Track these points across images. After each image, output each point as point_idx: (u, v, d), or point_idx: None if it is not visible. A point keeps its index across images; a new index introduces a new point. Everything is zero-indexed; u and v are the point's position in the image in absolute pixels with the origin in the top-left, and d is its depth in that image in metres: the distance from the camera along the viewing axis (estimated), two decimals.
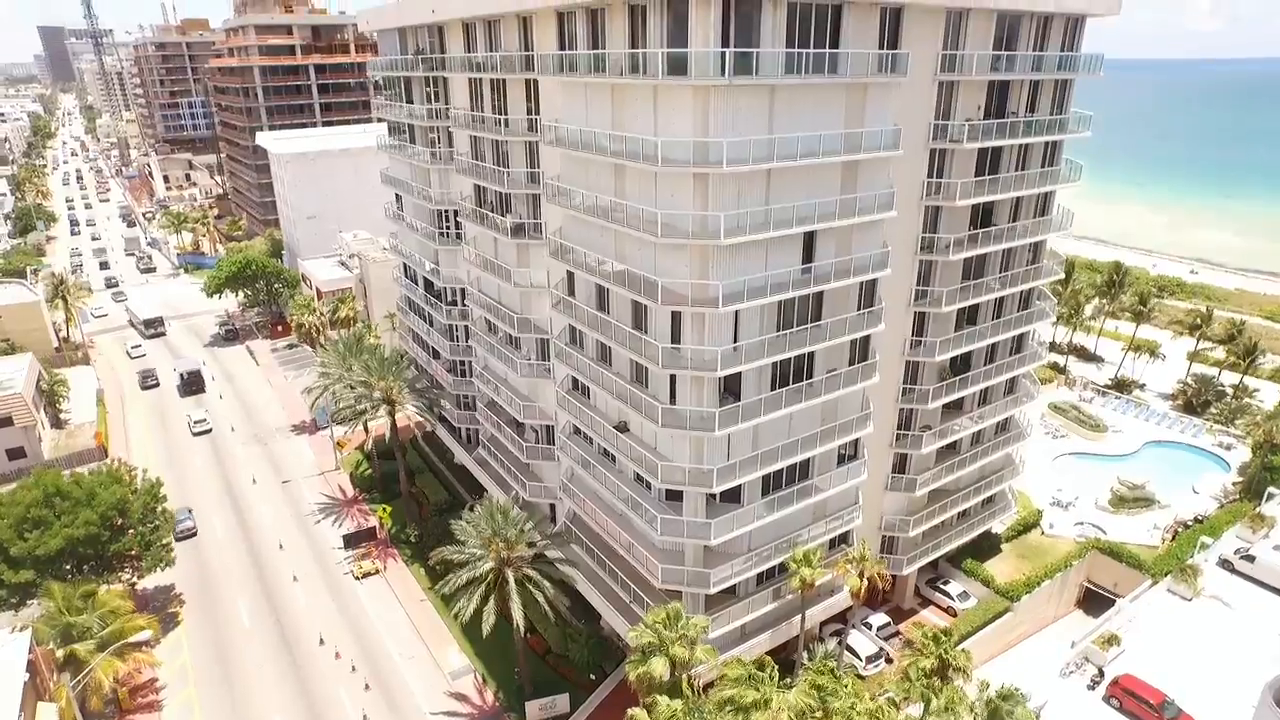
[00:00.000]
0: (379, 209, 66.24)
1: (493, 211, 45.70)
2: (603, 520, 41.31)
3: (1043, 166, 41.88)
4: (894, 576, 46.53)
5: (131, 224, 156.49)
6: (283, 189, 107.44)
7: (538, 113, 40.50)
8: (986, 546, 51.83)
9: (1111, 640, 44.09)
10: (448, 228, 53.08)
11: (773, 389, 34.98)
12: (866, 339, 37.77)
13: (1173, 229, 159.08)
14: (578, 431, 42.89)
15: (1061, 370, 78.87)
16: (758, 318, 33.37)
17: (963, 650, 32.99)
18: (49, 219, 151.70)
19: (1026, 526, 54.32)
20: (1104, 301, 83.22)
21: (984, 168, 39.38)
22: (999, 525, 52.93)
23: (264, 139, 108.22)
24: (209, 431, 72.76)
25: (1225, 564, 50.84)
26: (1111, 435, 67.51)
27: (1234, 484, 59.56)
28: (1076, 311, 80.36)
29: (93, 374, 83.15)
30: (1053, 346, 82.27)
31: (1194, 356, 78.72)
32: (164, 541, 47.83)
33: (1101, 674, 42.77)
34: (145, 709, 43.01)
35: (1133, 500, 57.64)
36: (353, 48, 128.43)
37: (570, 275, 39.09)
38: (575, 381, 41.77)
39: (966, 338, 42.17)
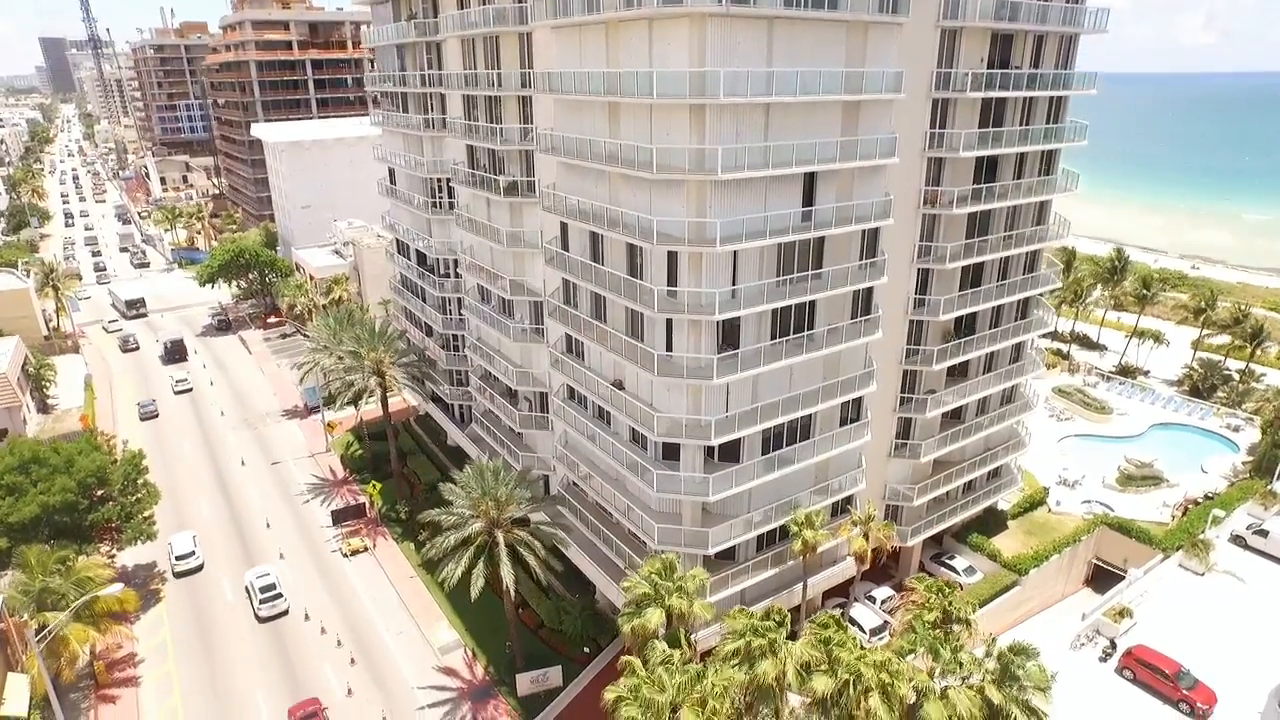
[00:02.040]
0: (374, 198, 65.63)
1: (486, 172, 44.74)
2: (598, 484, 40.05)
3: (1047, 123, 40.98)
4: (898, 549, 45.13)
5: (126, 221, 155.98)
6: (277, 179, 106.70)
7: (531, 67, 39.65)
8: (993, 523, 50.47)
9: (1123, 613, 42.79)
10: (440, 198, 52.19)
11: (772, 339, 33.82)
12: (869, 292, 36.65)
13: (1173, 230, 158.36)
14: (572, 395, 41.70)
15: (1065, 356, 77.80)
16: (756, 261, 32.26)
17: (967, 602, 31.65)
18: (43, 216, 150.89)
19: (1033, 504, 52.99)
20: (1106, 290, 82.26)
21: (988, 120, 38.46)
22: (1005, 502, 51.67)
23: (259, 129, 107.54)
24: (190, 390, 76.59)
25: (1238, 540, 49.64)
26: (1117, 418, 66.31)
27: (1243, 463, 58.36)
28: (1078, 296, 79.32)
29: (81, 361, 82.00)
30: (1055, 335, 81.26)
31: (1199, 343, 77.67)
32: (146, 514, 46.39)
33: (1114, 646, 41.42)
34: (122, 683, 41.44)
35: (1141, 479, 56.36)
36: (349, 44, 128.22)
37: (564, 227, 38.03)
38: (569, 341, 40.58)
39: (970, 298, 41.11)
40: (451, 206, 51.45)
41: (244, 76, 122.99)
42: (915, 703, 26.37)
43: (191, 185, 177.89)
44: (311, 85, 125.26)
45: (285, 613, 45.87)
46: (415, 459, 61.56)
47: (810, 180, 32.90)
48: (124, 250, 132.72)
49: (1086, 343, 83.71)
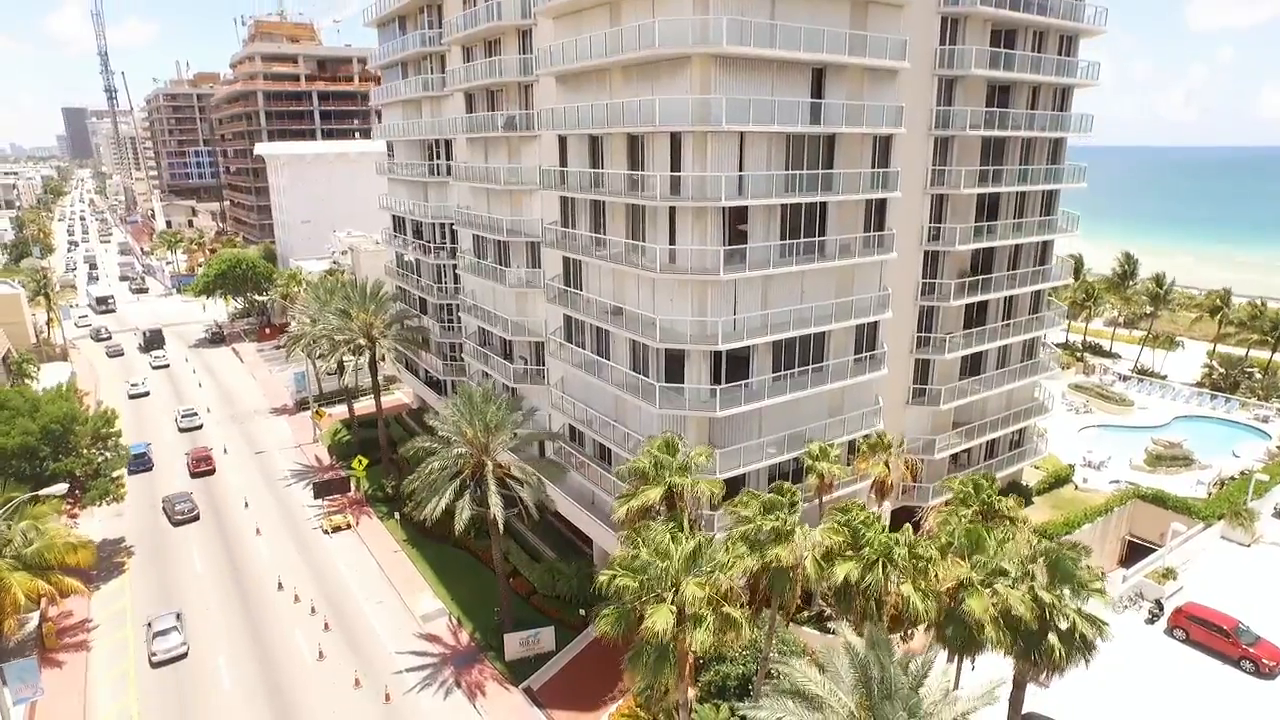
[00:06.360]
0: (374, 216, 65.95)
1: (485, 112, 43.86)
2: (598, 423, 37.32)
3: (1059, 55, 40.06)
4: (919, 509, 41.96)
5: (126, 252, 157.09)
6: (279, 196, 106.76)
7: None
8: (1017, 497, 47.21)
9: (1168, 574, 39.31)
10: (438, 161, 51.26)
11: (782, 240, 31.84)
12: (882, 207, 34.89)
13: (1169, 268, 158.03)
14: (569, 337, 39.42)
15: (1079, 358, 75.51)
16: (764, 153, 30.57)
17: (1012, 498, 28.54)
18: (45, 248, 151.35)
19: (1059, 480, 49.82)
20: (1116, 296, 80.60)
21: (999, 42, 37.48)
22: (1029, 478, 48.66)
23: (263, 147, 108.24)
24: (167, 366, 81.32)
25: None
26: (1138, 411, 63.61)
27: (1277, 448, 55.33)
28: (1090, 296, 77.57)
29: (69, 368, 79.80)
30: (1066, 346, 79.09)
31: (1215, 345, 75.42)
32: (115, 474, 43.38)
33: (1160, 607, 37.78)
34: (72, 648, 37.69)
35: (1170, 458, 53.34)
36: (356, 78, 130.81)
37: (563, 145, 36.60)
38: (567, 269, 38.48)
39: (987, 232, 39.31)
40: (449, 171, 50.46)
41: (252, 106, 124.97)
42: (956, 599, 23.17)
43: (197, 229, 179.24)
44: (317, 116, 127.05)
45: (200, 427, 59.36)
46: (405, 446, 58.60)
47: (819, 78, 31.59)
48: (124, 279, 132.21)
49: (1099, 352, 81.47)
